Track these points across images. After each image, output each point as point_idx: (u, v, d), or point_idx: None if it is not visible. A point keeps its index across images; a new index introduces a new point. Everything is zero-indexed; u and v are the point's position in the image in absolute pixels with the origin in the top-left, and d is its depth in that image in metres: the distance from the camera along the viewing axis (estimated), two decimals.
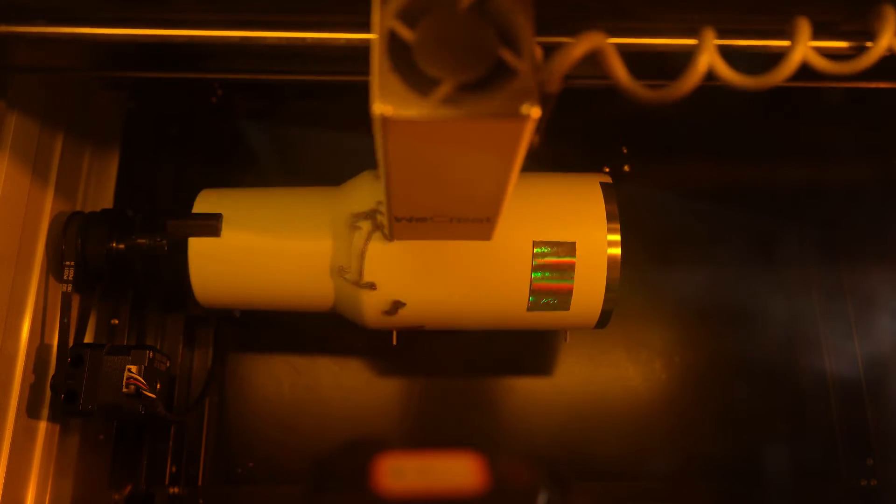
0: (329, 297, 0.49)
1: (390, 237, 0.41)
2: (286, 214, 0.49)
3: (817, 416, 0.64)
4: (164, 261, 0.51)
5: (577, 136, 0.68)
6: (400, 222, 0.38)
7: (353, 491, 0.60)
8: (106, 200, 0.63)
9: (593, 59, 0.30)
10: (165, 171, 0.65)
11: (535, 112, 0.26)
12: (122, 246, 0.51)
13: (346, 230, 0.47)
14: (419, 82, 0.27)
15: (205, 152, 0.66)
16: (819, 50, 0.34)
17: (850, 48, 0.37)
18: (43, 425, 0.52)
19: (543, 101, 0.27)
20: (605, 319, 0.49)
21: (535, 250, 0.47)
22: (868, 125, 0.67)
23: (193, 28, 0.39)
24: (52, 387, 0.50)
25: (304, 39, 0.38)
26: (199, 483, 0.59)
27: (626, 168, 0.68)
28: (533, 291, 0.47)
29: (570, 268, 0.47)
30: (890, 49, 0.34)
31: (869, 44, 0.35)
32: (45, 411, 0.53)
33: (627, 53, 0.32)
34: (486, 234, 0.40)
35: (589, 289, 0.48)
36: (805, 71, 0.34)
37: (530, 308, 0.48)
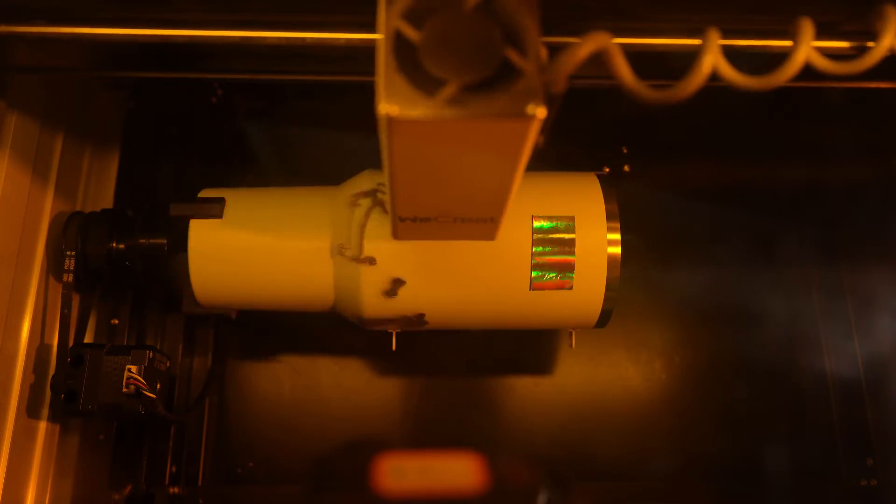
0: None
1: (394, 236, 0.41)
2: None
3: (817, 416, 0.64)
4: (164, 261, 0.51)
5: (577, 136, 0.68)
6: (404, 222, 0.38)
7: (353, 491, 0.60)
8: (106, 200, 0.63)
9: (596, 60, 0.30)
10: (165, 171, 0.65)
11: (540, 112, 0.26)
12: (122, 246, 0.51)
13: (346, 210, 0.47)
14: (425, 82, 0.27)
15: (205, 152, 0.66)
16: (820, 50, 0.34)
17: (851, 48, 0.37)
18: (43, 425, 0.52)
19: (549, 101, 0.27)
20: (605, 319, 0.49)
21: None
22: (868, 125, 0.67)
23: (193, 28, 0.39)
24: (52, 387, 0.50)
25: (304, 39, 0.38)
26: (199, 483, 0.59)
27: (626, 168, 0.68)
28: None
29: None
30: (892, 49, 0.34)
31: (870, 44, 0.35)
32: (45, 411, 0.53)
33: (630, 54, 0.32)
34: (489, 235, 0.40)
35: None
36: (807, 71, 0.34)
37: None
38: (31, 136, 0.51)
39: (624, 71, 0.31)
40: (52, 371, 0.51)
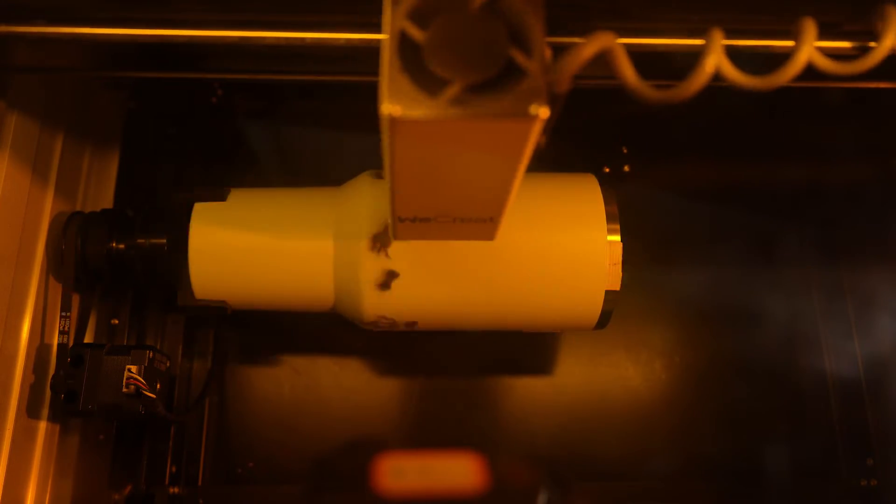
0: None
1: (393, 237, 0.41)
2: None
3: (817, 416, 0.64)
4: (164, 261, 0.51)
5: (578, 136, 0.68)
6: (403, 223, 0.38)
7: (353, 491, 0.60)
8: (106, 200, 0.63)
9: (598, 60, 0.30)
10: (165, 171, 0.65)
11: (543, 112, 0.26)
12: (122, 246, 0.51)
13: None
14: (428, 82, 0.27)
15: (205, 152, 0.66)
16: (821, 50, 0.34)
17: (852, 48, 0.37)
18: (43, 425, 0.53)
19: (552, 101, 0.27)
20: (604, 320, 0.49)
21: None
22: (868, 125, 0.67)
23: (193, 28, 0.39)
24: (52, 387, 0.50)
25: (303, 39, 0.38)
26: (199, 483, 0.59)
27: (626, 168, 0.68)
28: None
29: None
30: (894, 49, 0.34)
31: (872, 44, 0.35)
32: (45, 411, 0.53)
33: (632, 54, 0.32)
34: (489, 235, 0.40)
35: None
36: (808, 71, 0.34)
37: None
38: (31, 136, 0.51)
39: (628, 71, 0.31)
40: (52, 371, 0.51)
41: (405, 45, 0.27)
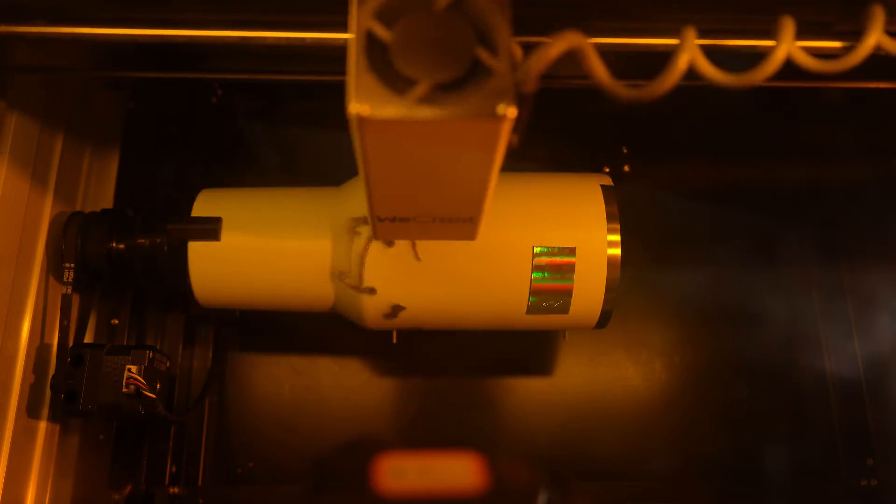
0: (329, 297, 0.49)
1: (374, 236, 0.41)
2: (286, 215, 0.49)
3: (817, 416, 0.64)
4: (164, 261, 0.51)
5: (578, 136, 0.68)
6: (383, 222, 0.38)
7: (353, 491, 0.60)
8: (106, 200, 0.63)
9: (569, 59, 0.30)
10: (165, 171, 0.65)
11: (510, 112, 0.26)
12: (122, 246, 0.51)
13: (346, 235, 0.47)
14: (396, 82, 0.27)
15: (205, 152, 0.66)
16: (813, 50, 0.34)
17: (843, 48, 0.37)
18: (43, 425, 0.52)
19: (520, 100, 0.27)
20: (605, 319, 0.49)
21: (534, 250, 0.47)
22: (868, 125, 0.67)
23: (193, 28, 0.39)
24: (52, 387, 0.50)
25: (303, 39, 0.38)
26: (199, 483, 0.59)
27: (626, 168, 0.68)
28: (533, 292, 0.47)
29: (570, 268, 0.47)
30: (878, 47, 0.34)
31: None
32: (45, 411, 0.53)
33: (619, 53, 0.32)
34: (469, 234, 0.39)
35: (589, 289, 0.48)
36: (797, 70, 0.34)
37: (530, 309, 0.48)
38: (31, 136, 0.51)
39: (598, 70, 0.31)
40: (52, 371, 0.51)
41: (372, 45, 0.27)
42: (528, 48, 0.29)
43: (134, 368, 0.50)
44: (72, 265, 0.51)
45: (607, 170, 0.67)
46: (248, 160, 0.67)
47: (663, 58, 0.32)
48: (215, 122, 0.67)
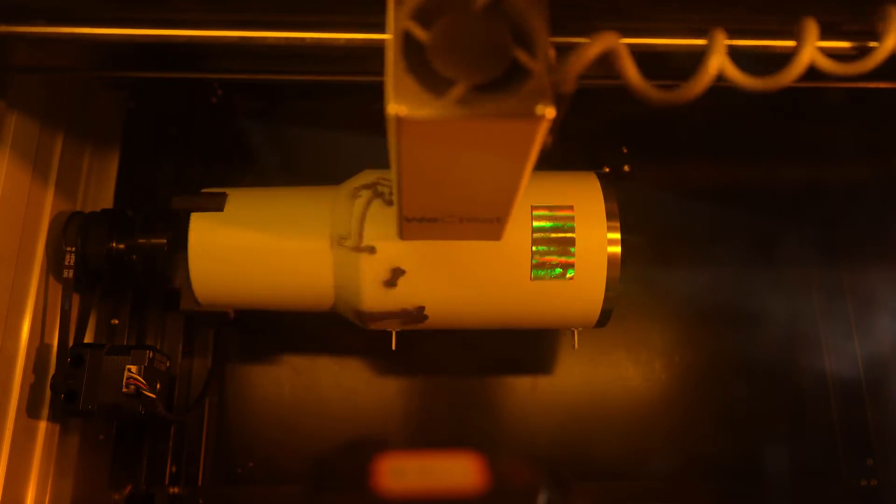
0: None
1: (400, 237, 0.41)
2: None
3: (817, 416, 0.64)
4: (164, 261, 0.51)
5: (578, 136, 0.68)
6: (411, 223, 0.38)
7: (353, 491, 0.60)
8: (106, 200, 0.63)
9: (601, 60, 0.30)
10: (165, 171, 0.65)
11: (549, 112, 0.26)
12: (122, 246, 0.51)
13: (347, 201, 0.47)
14: (434, 83, 0.27)
15: (205, 152, 0.66)
16: (822, 50, 0.34)
17: (852, 48, 0.37)
18: (43, 425, 0.53)
19: (558, 101, 0.27)
20: (605, 318, 0.49)
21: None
22: (868, 125, 0.67)
23: (193, 28, 0.39)
24: (52, 387, 0.50)
25: (303, 39, 0.38)
26: (199, 483, 0.59)
27: (626, 168, 0.68)
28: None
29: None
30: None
31: (873, 44, 0.35)
32: (45, 411, 0.53)
33: (633, 54, 0.32)
34: (495, 235, 0.40)
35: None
36: (809, 71, 0.34)
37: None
38: (31, 136, 0.51)
39: (631, 72, 0.31)
40: (52, 371, 0.51)
41: (409, 46, 0.27)
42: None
43: (134, 368, 0.50)
44: (72, 261, 0.51)
45: (607, 170, 0.66)
46: (248, 160, 0.67)
47: (663, 58, 0.32)
48: (215, 122, 0.67)
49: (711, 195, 0.68)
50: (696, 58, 0.33)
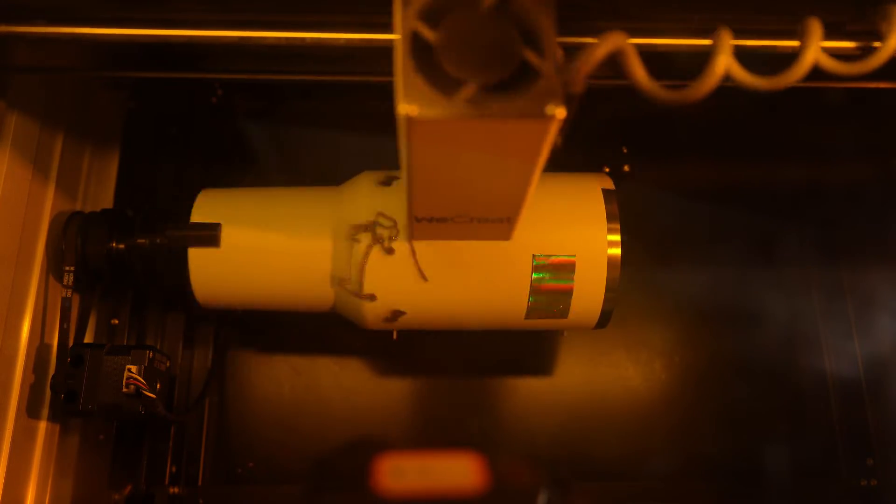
0: (329, 298, 0.49)
1: (411, 236, 0.41)
2: (286, 215, 0.49)
3: (817, 416, 0.64)
4: (164, 261, 0.51)
5: (578, 136, 0.68)
6: (420, 223, 0.38)
7: (353, 491, 0.60)
8: (106, 200, 0.63)
9: (608, 60, 0.30)
10: (165, 171, 0.65)
11: (560, 112, 0.26)
12: (122, 246, 0.51)
13: (346, 242, 0.47)
14: (443, 83, 0.27)
15: (205, 152, 0.66)
16: (828, 50, 0.34)
17: (855, 48, 0.37)
18: (43, 425, 0.53)
19: (567, 101, 0.27)
20: (605, 319, 0.49)
21: (534, 251, 0.47)
22: (868, 125, 0.67)
23: (193, 28, 0.39)
24: (52, 387, 0.50)
25: (303, 39, 0.38)
26: (199, 483, 0.59)
27: (626, 168, 0.67)
28: (533, 292, 0.47)
29: (570, 268, 0.47)
30: None
31: (876, 44, 0.35)
32: (45, 411, 0.53)
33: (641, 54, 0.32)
34: (505, 235, 0.40)
35: (589, 289, 0.48)
36: (813, 71, 0.33)
37: (530, 309, 0.48)
38: (31, 136, 0.51)
39: (639, 72, 0.31)
40: (52, 371, 0.51)
41: (417, 46, 0.27)
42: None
43: (134, 368, 0.50)
44: (72, 265, 0.51)
45: (607, 170, 0.67)
46: (248, 160, 0.67)
47: (663, 58, 0.32)
48: (215, 122, 0.67)
49: (711, 195, 0.68)
50: (700, 58, 0.32)
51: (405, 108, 0.26)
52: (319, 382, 0.62)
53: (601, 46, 0.29)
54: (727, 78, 0.32)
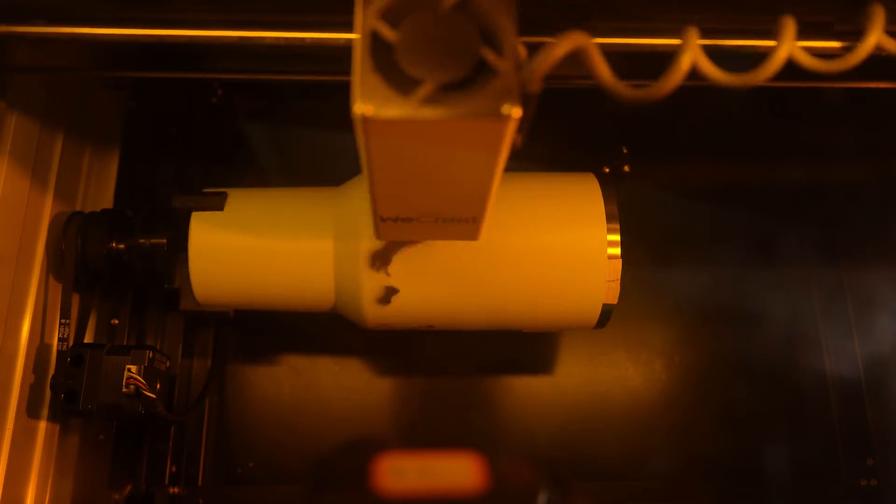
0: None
1: (377, 236, 0.41)
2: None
3: (817, 416, 0.64)
4: (164, 261, 0.51)
5: (578, 136, 0.68)
6: (386, 222, 0.38)
7: (353, 491, 0.60)
8: (106, 200, 0.63)
9: (572, 58, 0.30)
10: (165, 171, 0.65)
11: (515, 112, 0.26)
12: (122, 246, 0.51)
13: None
14: (401, 82, 0.27)
15: (205, 152, 0.66)
16: (813, 49, 0.34)
17: (842, 48, 0.37)
18: (43, 425, 0.53)
19: (525, 100, 0.27)
20: (604, 319, 0.49)
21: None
22: (868, 125, 0.67)
23: (193, 28, 0.39)
24: (52, 387, 0.50)
25: (303, 39, 0.38)
26: (199, 483, 0.59)
27: (626, 168, 0.68)
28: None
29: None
30: (879, 46, 0.35)
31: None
32: (45, 411, 0.53)
33: (625, 54, 0.32)
34: (472, 235, 0.39)
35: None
36: (798, 71, 0.34)
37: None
38: (31, 136, 0.51)
39: (602, 70, 0.31)
40: (52, 371, 0.51)
41: (377, 45, 0.27)
42: (529, 48, 0.29)
43: (134, 368, 0.50)
44: (72, 265, 0.51)
45: (607, 170, 0.67)
46: (248, 160, 0.67)
47: (663, 58, 0.32)
48: (215, 122, 0.67)
49: (711, 195, 0.68)
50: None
51: (361, 107, 0.26)
52: (319, 382, 0.62)
53: (560, 45, 0.29)
54: (699, 76, 0.32)
